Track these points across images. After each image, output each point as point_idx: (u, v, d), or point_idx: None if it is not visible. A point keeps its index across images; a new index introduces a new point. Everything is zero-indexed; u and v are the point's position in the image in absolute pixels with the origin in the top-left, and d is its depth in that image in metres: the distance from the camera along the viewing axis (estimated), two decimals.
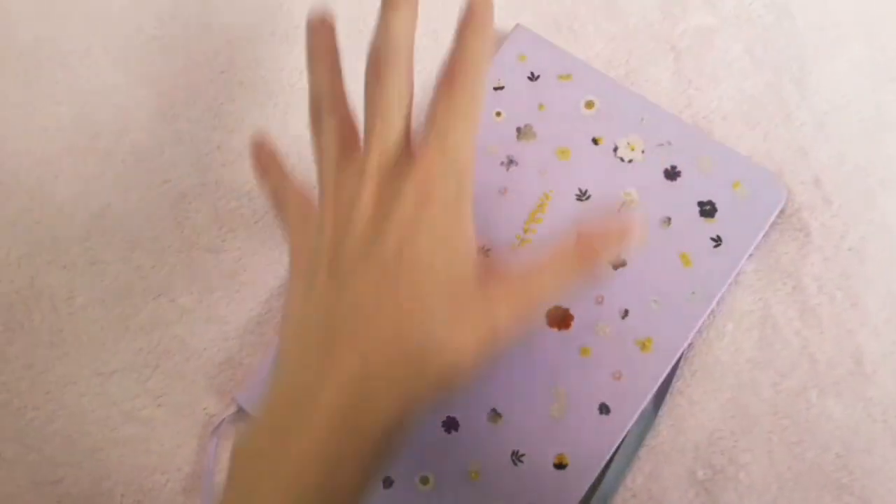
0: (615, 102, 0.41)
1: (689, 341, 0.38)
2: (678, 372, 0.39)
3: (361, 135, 0.32)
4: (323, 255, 0.30)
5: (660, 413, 0.38)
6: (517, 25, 0.44)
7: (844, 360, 0.38)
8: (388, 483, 0.38)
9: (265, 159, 0.37)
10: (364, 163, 0.30)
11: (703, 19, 0.44)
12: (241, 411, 0.40)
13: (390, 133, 0.31)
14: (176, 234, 0.44)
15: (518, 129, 0.42)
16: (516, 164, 0.41)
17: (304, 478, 0.27)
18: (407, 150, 0.31)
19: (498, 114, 0.42)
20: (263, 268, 0.43)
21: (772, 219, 0.39)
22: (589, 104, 0.42)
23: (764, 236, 0.39)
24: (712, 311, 0.39)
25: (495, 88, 0.43)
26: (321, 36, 0.33)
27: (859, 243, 0.39)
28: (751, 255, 0.39)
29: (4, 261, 0.44)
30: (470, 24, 0.31)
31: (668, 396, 0.39)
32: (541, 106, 0.42)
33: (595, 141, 0.41)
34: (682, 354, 0.38)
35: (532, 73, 0.43)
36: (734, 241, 0.39)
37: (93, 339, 0.42)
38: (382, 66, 0.31)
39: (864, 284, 0.38)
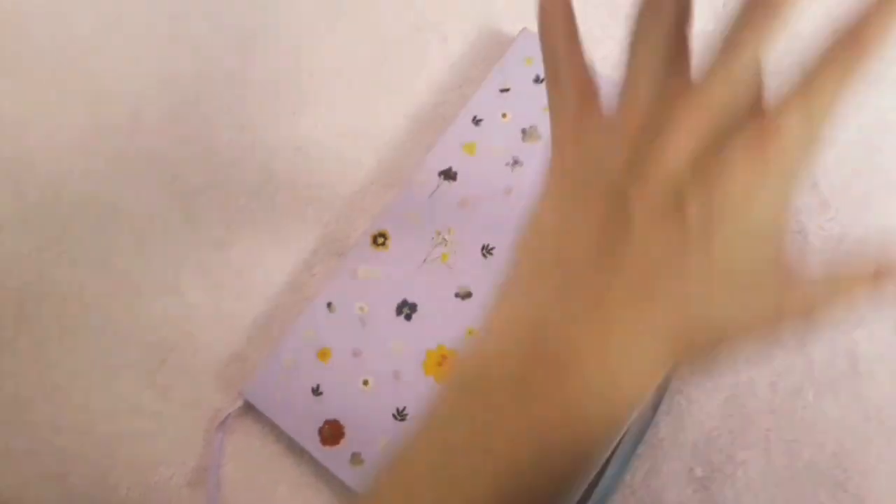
0: None
1: None
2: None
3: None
4: (604, 182, 0.24)
5: (658, 411, 0.39)
6: (524, 29, 0.45)
7: (840, 361, 0.38)
8: None
9: (553, 5, 0.27)
10: (699, 91, 0.23)
11: (705, 26, 0.45)
12: (247, 406, 0.41)
13: (742, 69, 0.24)
14: (185, 231, 0.44)
15: (523, 131, 0.43)
16: (521, 164, 0.42)
17: (548, 444, 0.23)
18: (754, 106, 0.24)
19: (504, 115, 0.43)
20: (271, 265, 0.43)
21: None
22: None
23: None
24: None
25: (501, 91, 0.44)
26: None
27: (856, 246, 0.40)
28: None
29: (16, 255, 0.44)
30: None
31: (666, 395, 0.39)
32: (545, 108, 0.43)
33: None
34: None
35: (538, 76, 0.43)
36: None
37: (101, 333, 0.43)
38: None
39: None
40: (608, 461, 0.38)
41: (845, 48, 0.24)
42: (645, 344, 0.24)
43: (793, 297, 0.25)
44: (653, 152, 0.23)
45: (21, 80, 0.48)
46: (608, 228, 0.24)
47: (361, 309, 0.41)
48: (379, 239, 0.42)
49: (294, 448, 0.40)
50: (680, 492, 0.38)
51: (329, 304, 0.41)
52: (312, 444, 0.39)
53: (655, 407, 0.39)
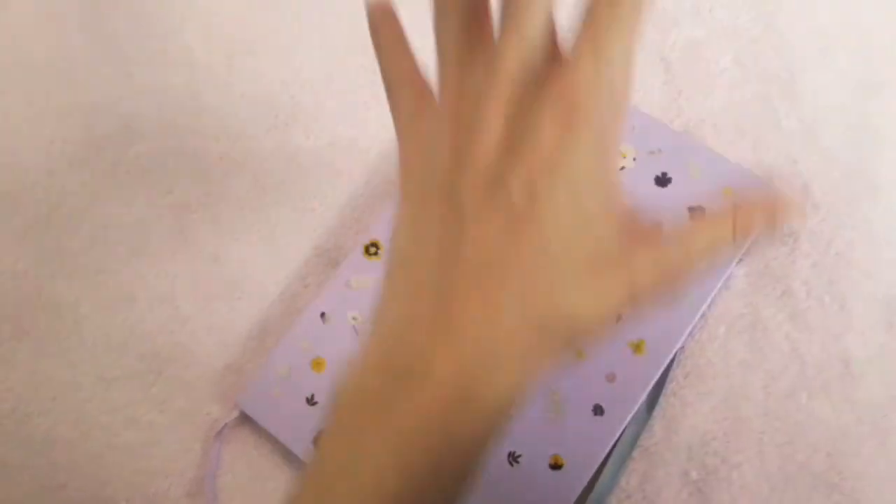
0: None
1: (680, 344, 0.39)
2: (671, 374, 0.39)
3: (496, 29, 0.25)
4: (438, 179, 0.24)
5: (653, 414, 0.39)
6: None
7: (833, 363, 0.39)
8: None
9: (380, 16, 0.28)
10: (495, 63, 0.24)
11: (692, 32, 0.45)
12: (243, 416, 0.41)
13: (532, 28, 0.24)
14: (179, 243, 0.44)
15: None
16: None
17: (408, 455, 0.23)
18: (551, 57, 0.24)
19: None
20: (264, 276, 0.44)
21: None
22: None
23: (754, 241, 0.40)
24: (703, 315, 0.40)
25: None
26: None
27: (846, 248, 0.40)
28: (741, 260, 0.40)
29: (12, 270, 0.45)
30: None
31: (661, 398, 0.39)
32: None
33: None
34: (675, 357, 0.39)
35: None
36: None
37: (97, 346, 0.43)
38: None
39: (851, 288, 0.39)
40: (603, 463, 0.38)
41: None
42: (500, 338, 0.24)
43: (644, 264, 0.24)
44: (470, 138, 0.24)
45: (13, 95, 0.48)
46: (446, 226, 0.24)
47: (355, 319, 0.41)
48: (371, 248, 0.42)
49: (290, 458, 0.41)
50: (675, 495, 0.38)
51: (323, 315, 0.41)
52: (308, 453, 0.39)
53: (650, 411, 0.39)
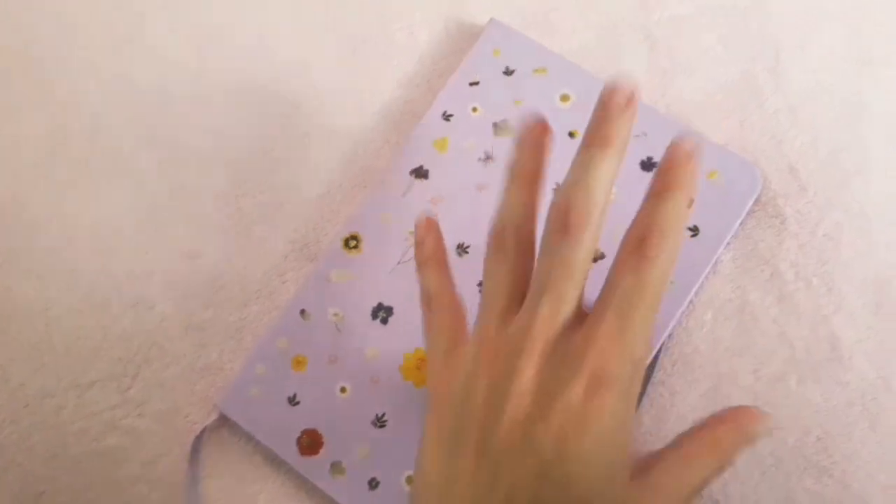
0: (590, 95, 0.41)
1: (668, 332, 0.38)
2: (658, 363, 0.39)
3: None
4: (472, 424, 0.27)
5: (641, 404, 0.39)
6: (491, 20, 0.44)
7: (821, 346, 0.38)
8: (373, 484, 0.38)
9: (431, 245, 0.33)
10: (535, 320, 0.27)
11: (677, 8, 0.44)
12: (223, 418, 0.40)
13: (570, 291, 0.27)
14: (153, 240, 0.43)
15: (495, 125, 0.42)
16: (493, 159, 0.41)
17: None
18: (576, 320, 0.27)
19: (474, 109, 0.42)
20: (241, 272, 0.42)
21: (748, 207, 0.39)
22: (564, 97, 0.42)
23: (740, 224, 0.39)
24: (691, 301, 0.39)
25: (470, 84, 0.43)
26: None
27: (834, 229, 0.39)
28: (728, 244, 0.40)
29: None
30: (672, 182, 0.27)
31: (649, 387, 0.39)
32: (516, 101, 0.42)
33: (571, 134, 0.41)
34: (663, 345, 0.38)
35: (507, 68, 0.42)
36: (711, 231, 0.39)
37: (70, 349, 0.42)
38: (577, 218, 0.27)
39: (839, 270, 0.39)
40: None
41: (634, 253, 0.27)
42: None
43: (647, 496, 0.27)
44: (506, 389, 0.26)
45: None
46: (480, 471, 0.26)
47: (336, 315, 0.40)
48: (351, 242, 0.41)
49: (273, 459, 0.40)
50: None
51: (302, 312, 0.40)
52: (291, 454, 0.38)
53: (639, 400, 0.39)
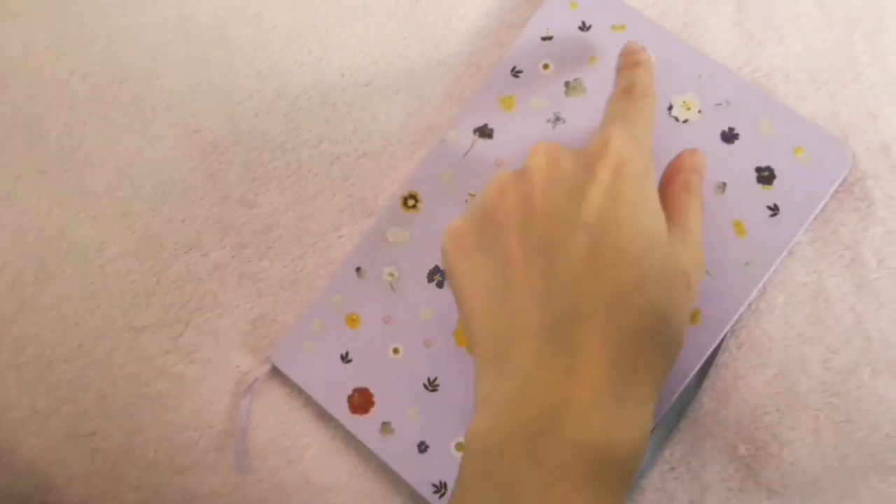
0: (671, 57, 0.39)
1: (738, 315, 0.36)
2: (724, 344, 0.37)
3: None
4: (508, 226, 0.30)
5: (703, 386, 0.37)
6: None
7: None
8: (422, 448, 0.37)
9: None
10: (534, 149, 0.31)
11: None
12: (274, 370, 0.40)
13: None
14: (207, 187, 0.42)
15: (567, 84, 0.40)
16: (563, 121, 0.39)
17: (563, 488, 0.25)
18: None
19: (545, 66, 0.40)
20: (297, 224, 0.41)
21: (834, 188, 0.37)
22: None
23: (824, 204, 0.37)
24: (763, 284, 0.37)
25: (543, 38, 0.40)
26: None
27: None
28: (808, 225, 0.37)
29: (34, 210, 0.43)
30: (635, 60, 0.34)
31: (712, 369, 0.37)
32: (592, 59, 0.40)
33: None
34: (730, 328, 0.37)
35: (583, 23, 0.40)
36: (792, 211, 0.37)
37: (124, 292, 0.42)
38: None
39: None
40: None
41: (622, 92, 0.33)
42: (623, 353, 0.27)
43: (680, 251, 0.30)
44: (531, 186, 0.30)
45: (31, 21, 0.45)
46: (534, 267, 0.29)
47: (391, 275, 0.39)
48: (409, 201, 0.40)
49: (322, 414, 0.39)
50: (721, 470, 0.37)
51: (358, 269, 0.39)
52: (341, 411, 0.38)
53: (700, 381, 0.37)
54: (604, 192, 0.29)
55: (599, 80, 0.39)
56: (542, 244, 0.29)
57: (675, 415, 0.37)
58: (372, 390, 0.38)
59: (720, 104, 0.38)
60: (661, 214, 0.30)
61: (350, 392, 0.38)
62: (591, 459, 0.26)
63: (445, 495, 0.37)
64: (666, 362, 0.28)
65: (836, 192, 0.37)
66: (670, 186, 0.32)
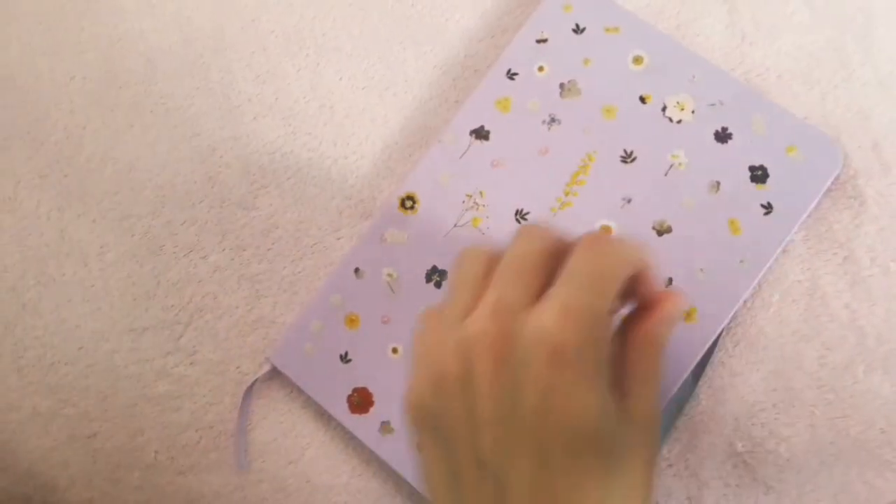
0: (665, 58, 0.39)
1: (734, 312, 0.37)
2: (720, 342, 0.38)
3: None
4: (461, 428, 0.28)
5: (699, 384, 0.38)
6: None
7: (895, 336, 0.36)
8: None
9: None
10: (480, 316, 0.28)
11: None
12: (274, 371, 0.40)
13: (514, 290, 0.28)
14: (206, 189, 0.43)
15: (561, 86, 0.40)
16: (559, 122, 0.40)
17: None
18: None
19: (540, 68, 0.40)
20: (296, 226, 0.42)
21: (826, 186, 0.37)
22: (637, 59, 0.40)
23: (817, 202, 0.38)
24: (758, 281, 0.37)
25: (538, 41, 0.41)
26: None
27: None
28: (802, 224, 0.38)
29: (34, 213, 0.43)
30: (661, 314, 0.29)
31: (708, 367, 0.38)
32: (586, 61, 0.40)
33: (643, 99, 0.39)
34: (726, 325, 0.37)
35: (577, 25, 0.40)
36: (786, 209, 0.37)
37: (124, 294, 0.42)
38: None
39: None
40: None
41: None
42: None
43: (633, 433, 0.28)
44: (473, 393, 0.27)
45: (30, 26, 0.46)
46: (484, 487, 0.27)
47: (390, 275, 0.39)
48: (407, 202, 0.40)
49: (322, 414, 0.40)
50: (719, 467, 0.37)
51: (357, 270, 0.40)
52: (341, 411, 0.38)
53: (696, 379, 0.38)
54: (542, 391, 0.26)
55: (594, 82, 0.40)
56: (490, 464, 0.27)
57: (672, 412, 0.38)
58: (371, 390, 0.38)
59: (713, 104, 0.38)
60: (606, 400, 0.27)
61: (349, 392, 0.39)
62: None
63: None
64: None
65: (829, 190, 0.38)
66: (639, 332, 0.29)
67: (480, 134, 0.40)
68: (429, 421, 0.29)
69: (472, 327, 0.27)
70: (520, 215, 0.39)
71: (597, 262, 0.28)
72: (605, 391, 0.27)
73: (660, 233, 0.38)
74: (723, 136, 0.38)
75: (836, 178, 0.38)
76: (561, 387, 0.26)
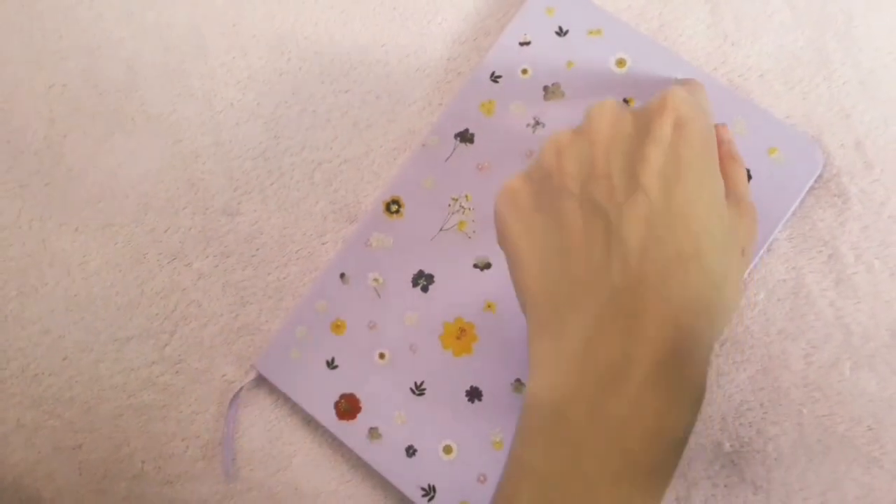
0: (647, 60, 0.39)
1: None
2: None
3: None
4: (563, 189, 0.29)
5: None
6: None
7: (880, 333, 0.37)
8: (410, 452, 0.37)
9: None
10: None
11: None
12: (260, 378, 0.40)
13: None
14: (189, 196, 0.42)
15: (545, 88, 0.40)
16: (543, 125, 0.40)
17: (627, 441, 0.26)
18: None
19: (524, 71, 0.40)
20: (280, 232, 0.42)
21: (808, 186, 0.37)
22: (620, 62, 0.40)
23: (799, 202, 0.38)
24: (744, 281, 0.38)
25: (521, 44, 0.41)
26: None
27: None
28: (785, 223, 0.38)
29: (15, 223, 0.43)
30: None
31: None
32: (569, 63, 0.40)
33: (626, 101, 0.39)
34: None
35: (560, 28, 0.40)
36: (769, 210, 0.37)
37: (108, 303, 0.42)
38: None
39: None
40: None
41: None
42: (684, 309, 0.27)
43: (736, 224, 0.31)
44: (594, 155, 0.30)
45: (8, 36, 0.45)
46: (595, 231, 0.29)
47: (376, 280, 0.39)
48: (392, 206, 0.40)
49: (309, 421, 0.39)
50: (707, 467, 0.37)
51: (342, 275, 0.39)
52: (328, 418, 0.38)
53: None
54: (664, 152, 0.28)
55: (577, 84, 0.40)
56: (600, 208, 0.28)
57: None
58: (358, 396, 0.38)
59: None
60: (721, 181, 0.29)
61: (337, 398, 0.38)
62: (654, 413, 0.26)
63: (434, 499, 0.37)
64: (718, 329, 0.29)
65: (813, 188, 0.38)
66: (718, 154, 0.31)
67: (465, 137, 0.40)
68: (527, 197, 0.30)
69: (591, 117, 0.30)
70: None
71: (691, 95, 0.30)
72: (720, 174, 0.30)
73: None
74: None
75: (819, 177, 0.38)
76: (686, 155, 0.28)
